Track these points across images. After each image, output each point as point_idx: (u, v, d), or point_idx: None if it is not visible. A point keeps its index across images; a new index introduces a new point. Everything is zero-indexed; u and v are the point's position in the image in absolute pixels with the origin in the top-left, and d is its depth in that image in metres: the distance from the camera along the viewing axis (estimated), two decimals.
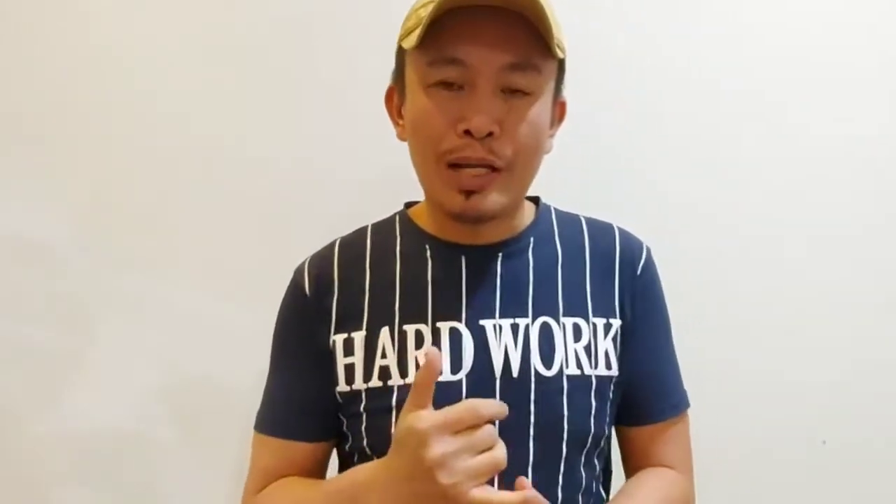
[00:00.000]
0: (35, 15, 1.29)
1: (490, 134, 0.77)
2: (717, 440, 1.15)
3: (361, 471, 0.77)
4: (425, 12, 0.78)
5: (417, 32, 0.76)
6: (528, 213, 0.91)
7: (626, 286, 0.88)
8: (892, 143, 1.27)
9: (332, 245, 0.92)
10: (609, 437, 0.89)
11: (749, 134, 1.27)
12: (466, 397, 0.79)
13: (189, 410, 1.28)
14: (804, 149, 1.27)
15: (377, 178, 1.24)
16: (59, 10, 1.27)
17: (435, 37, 0.76)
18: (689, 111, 1.27)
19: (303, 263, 0.92)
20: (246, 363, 1.25)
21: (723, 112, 1.27)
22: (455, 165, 0.78)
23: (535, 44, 0.77)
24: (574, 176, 1.22)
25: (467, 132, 0.77)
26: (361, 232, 0.93)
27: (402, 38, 0.83)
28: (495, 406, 0.69)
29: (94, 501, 1.27)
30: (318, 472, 0.90)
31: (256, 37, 1.27)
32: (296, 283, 0.90)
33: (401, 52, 0.84)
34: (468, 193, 0.79)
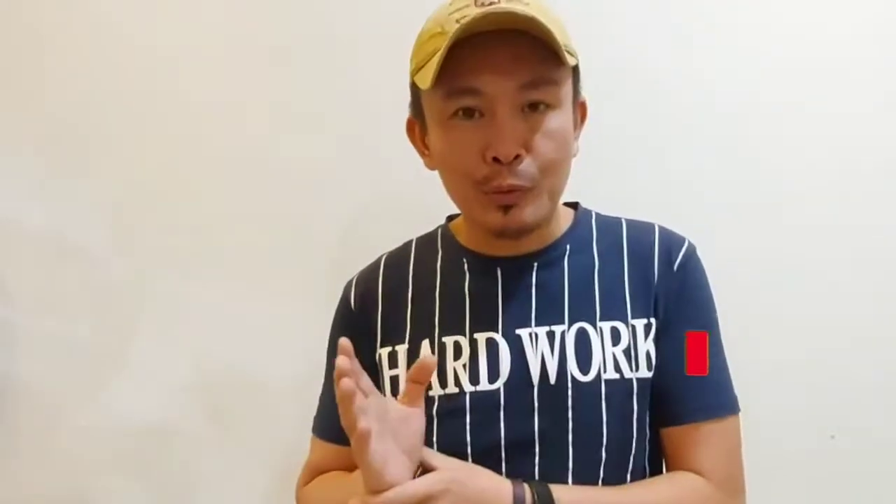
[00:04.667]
0: (76, 23, 1.32)
1: (517, 157, 0.79)
2: None
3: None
4: (432, 47, 0.79)
5: (432, 72, 0.76)
6: (564, 219, 0.92)
7: (662, 282, 0.87)
8: None
9: (378, 260, 0.96)
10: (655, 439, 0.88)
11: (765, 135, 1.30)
12: (504, 405, 0.83)
13: (224, 406, 1.31)
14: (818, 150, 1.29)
15: (407, 186, 1.26)
16: (100, 18, 1.31)
17: (446, 70, 0.76)
18: (702, 113, 1.30)
19: (351, 279, 0.96)
20: (280, 361, 1.30)
21: (736, 113, 1.29)
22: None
23: (545, 58, 0.78)
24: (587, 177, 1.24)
25: (495, 159, 0.78)
26: (406, 246, 0.96)
27: (413, 74, 0.84)
28: None
29: (132, 492, 1.31)
30: None
31: (297, 43, 1.32)
32: (344, 299, 0.94)
33: (414, 86, 0.85)
34: (506, 209, 0.81)
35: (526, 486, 0.77)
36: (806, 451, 1.27)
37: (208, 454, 1.31)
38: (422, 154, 0.90)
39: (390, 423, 0.73)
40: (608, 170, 1.26)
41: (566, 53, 0.78)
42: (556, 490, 0.78)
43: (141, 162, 1.32)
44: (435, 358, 0.76)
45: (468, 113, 0.79)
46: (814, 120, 1.29)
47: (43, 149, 1.32)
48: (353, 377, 0.68)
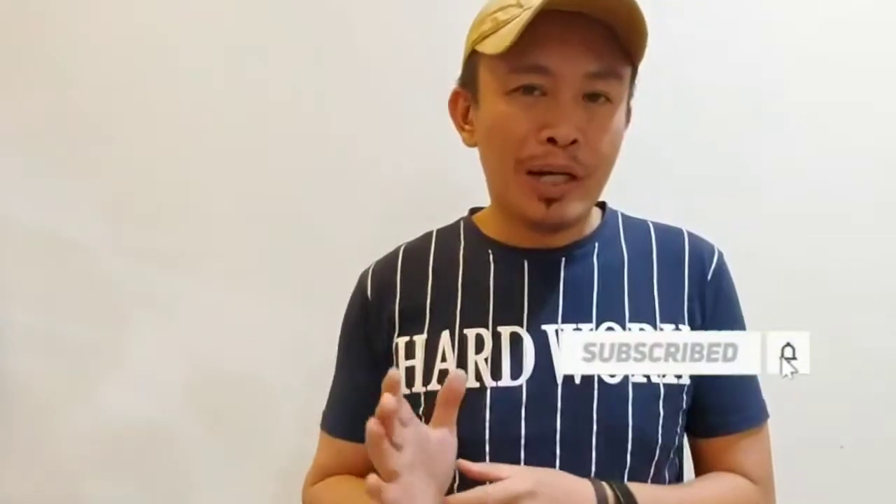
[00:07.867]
0: (75, 20, 1.30)
1: (574, 142, 0.76)
2: None
3: None
4: (505, 16, 0.78)
5: (506, 39, 0.75)
6: (594, 217, 0.89)
7: (696, 291, 0.85)
8: None
9: (396, 250, 0.92)
10: (681, 449, 0.87)
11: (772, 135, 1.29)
12: (527, 403, 0.80)
13: (220, 406, 1.29)
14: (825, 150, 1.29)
15: (410, 181, 1.26)
16: (101, 16, 1.30)
17: (518, 43, 0.74)
18: (713, 112, 1.28)
19: (367, 269, 0.92)
20: (277, 361, 1.28)
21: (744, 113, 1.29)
22: (534, 173, 0.78)
23: (616, 51, 0.77)
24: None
25: (551, 140, 0.76)
26: (426, 237, 0.93)
27: (476, 43, 0.81)
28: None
29: (125, 491, 1.29)
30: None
31: (295, 41, 1.30)
32: (360, 288, 0.91)
33: (472, 57, 0.82)
34: (549, 202, 0.78)
35: (605, 484, 0.76)
36: (815, 460, 1.27)
37: (203, 455, 1.29)
38: (460, 129, 0.87)
39: (429, 452, 0.70)
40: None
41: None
42: (632, 486, 0.77)
43: (137, 159, 1.30)
44: (465, 377, 0.73)
45: (529, 90, 0.77)
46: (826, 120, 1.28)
47: (39, 146, 1.30)
48: (393, 417, 0.65)
